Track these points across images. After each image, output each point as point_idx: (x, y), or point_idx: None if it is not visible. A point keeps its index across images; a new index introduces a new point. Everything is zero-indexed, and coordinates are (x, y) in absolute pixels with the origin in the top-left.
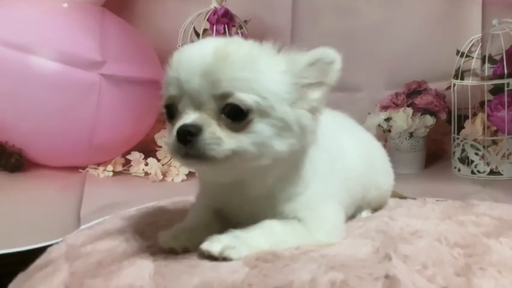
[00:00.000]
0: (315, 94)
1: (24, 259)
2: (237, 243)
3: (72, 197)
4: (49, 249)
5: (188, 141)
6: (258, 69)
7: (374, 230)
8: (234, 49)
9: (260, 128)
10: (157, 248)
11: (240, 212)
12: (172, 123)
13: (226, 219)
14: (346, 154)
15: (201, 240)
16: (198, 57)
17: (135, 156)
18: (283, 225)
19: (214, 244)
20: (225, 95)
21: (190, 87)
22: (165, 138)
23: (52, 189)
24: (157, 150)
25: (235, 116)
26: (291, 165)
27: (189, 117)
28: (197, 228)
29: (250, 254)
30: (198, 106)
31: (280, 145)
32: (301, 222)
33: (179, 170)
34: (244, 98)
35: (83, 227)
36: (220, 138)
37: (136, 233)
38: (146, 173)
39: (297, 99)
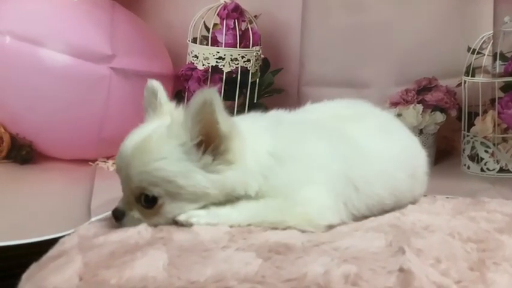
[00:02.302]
0: (217, 147)
1: (36, 250)
2: (204, 213)
3: (82, 189)
4: (61, 240)
5: (120, 220)
6: (160, 158)
7: (386, 224)
8: (143, 146)
9: (170, 208)
10: (169, 239)
11: None
12: None
13: None
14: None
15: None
16: (124, 152)
17: None
18: (260, 201)
19: (182, 215)
20: (137, 188)
21: (120, 178)
22: None
23: (62, 182)
24: None
25: (147, 203)
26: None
27: (120, 201)
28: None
29: (218, 223)
30: (125, 192)
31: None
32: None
33: None
34: (152, 189)
35: (93, 219)
36: (139, 219)
37: (148, 225)
38: None
39: (206, 162)
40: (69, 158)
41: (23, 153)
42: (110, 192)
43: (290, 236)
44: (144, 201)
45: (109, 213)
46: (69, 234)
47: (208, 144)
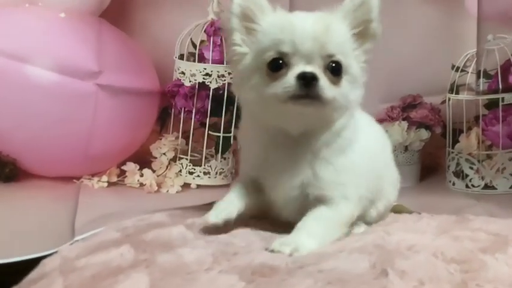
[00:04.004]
0: (366, 45)
1: (18, 270)
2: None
3: (67, 207)
4: (43, 261)
5: (310, 84)
6: (343, 35)
7: (371, 245)
8: (330, 20)
9: (345, 83)
10: (152, 261)
11: (278, 170)
12: (278, 74)
13: (261, 190)
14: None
15: (239, 212)
16: (309, 26)
17: (130, 167)
18: (319, 221)
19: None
20: (330, 55)
21: (304, 47)
22: (271, 87)
23: (46, 200)
24: (152, 161)
25: (336, 72)
26: (342, 126)
27: (306, 67)
28: (235, 201)
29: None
30: (308, 62)
31: (353, 95)
32: (328, 202)
33: (174, 181)
34: (342, 58)
35: (77, 238)
36: (329, 86)
37: (131, 245)
38: (141, 184)
39: (357, 53)
40: (54, 175)
41: (6, 171)
42: (94, 210)
43: (275, 257)
44: (333, 70)
45: (94, 231)
46: (51, 255)
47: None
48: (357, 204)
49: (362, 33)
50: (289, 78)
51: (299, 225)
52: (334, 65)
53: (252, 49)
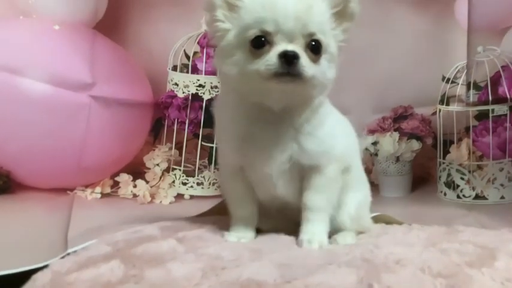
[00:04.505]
0: (345, 24)
1: (11, 282)
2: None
3: (60, 219)
4: (34, 276)
5: (292, 63)
6: (324, 14)
7: (359, 258)
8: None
9: (323, 61)
10: (141, 277)
11: (264, 146)
12: (260, 51)
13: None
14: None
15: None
16: (292, 4)
17: (124, 178)
18: (318, 197)
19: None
20: (311, 34)
21: (286, 26)
22: (253, 63)
23: (39, 211)
24: (145, 172)
25: (316, 50)
26: (319, 103)
27: (287, 46)
28: (247, 216)
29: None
30: (290, 40)
31: (330, 73)
32: (316, 169)
33: (167, 192)
34: (322, 37)
35: (69, 250)
36: (310, 64)
37: (121, 261)
38: (134, 195)
39: (335, 32)
40: (48, 187)
41: (0, 183)
42: (87, 221)
43: (262, 272)
44: (313, 48)
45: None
46: (43, 268)
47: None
48: (340, 162)
49: (341, 12)
50: (272, 56)
51: (307, 207)
52: (314, 43)
53: (234, 25)
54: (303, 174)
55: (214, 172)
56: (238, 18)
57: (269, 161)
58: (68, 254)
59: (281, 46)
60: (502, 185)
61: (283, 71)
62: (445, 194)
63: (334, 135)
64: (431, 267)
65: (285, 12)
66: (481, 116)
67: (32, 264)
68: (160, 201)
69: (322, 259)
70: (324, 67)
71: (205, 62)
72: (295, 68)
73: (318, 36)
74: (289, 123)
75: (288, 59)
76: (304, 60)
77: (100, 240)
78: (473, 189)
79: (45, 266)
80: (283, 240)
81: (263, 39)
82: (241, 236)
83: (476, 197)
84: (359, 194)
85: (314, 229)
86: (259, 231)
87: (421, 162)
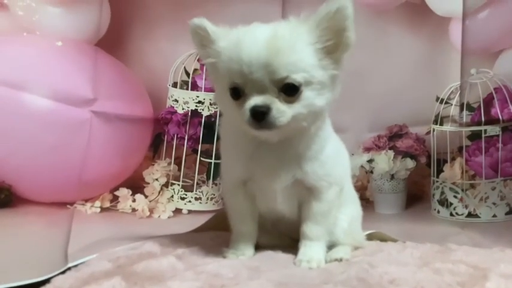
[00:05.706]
0: (338, 54)
1: None
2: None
3: (60, 233)
4: None
5: (262, 118)
6: (298, 51)
7: (355, 278)
8: (280, 41)
9: (307, 94)
10: None
11: (268, 166)
12: (238, 102)
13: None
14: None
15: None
16: (256, 53)
17: (123, 192)
18: (317, 222)
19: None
20: (282, 79)
21: (254, 77)
22: (236, 111)
23: (40, 225)
24: (145, 187)
25: (291, 91)
26: (317, 129)
27: (257, 99)
28: (248, 232)
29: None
30: (261, 90)
31: (321, 101)
32: (315, 191)
33: (166, 207)
34: (296, 77)
35: (70, 264)
36: (284, 111)
37: (122, 278)
38: (133, 210)
39: (326, 62)
40: (49, 201)
41: (1, 196)
42: (87, 236)
43: None
44: (287, 91)
45: (87, 258)
46: (44, 281)
47: (330, 49)
48: (339, 185)
49: (332, 46)
50: (246, 110)
51: (306, 236)
52: (287, 86)
53: (215, 75)
54: (303, 194)
55: (212, 187)
56: (217, 68)
57: (274, 177)
58: (69, 268)
59: (252, 100)
60: (494, 203)
61: (256, 126)
62: (438, 212)
63: (334, 158)
64: (424, 287)
65: (250, 61)
66: (474, 136)
67: (32, 277)
68: (159, 216)
69: (318, 278)
70: (308, 99)
71: (205, 79)
72: (266, 122)
73: (292, 78)
74: (291, 148)
75: (257, 116)
76: (276, 111)
77: (101, 256)
78: (466, 207)
79: (47, 281)
80: (281, 258)
81: (238, 90)
82: (240, 253)
83: (469, 215)
84: (350, 209)
85: (312, 252)
86: (256, 245)
87: (415, 180)
